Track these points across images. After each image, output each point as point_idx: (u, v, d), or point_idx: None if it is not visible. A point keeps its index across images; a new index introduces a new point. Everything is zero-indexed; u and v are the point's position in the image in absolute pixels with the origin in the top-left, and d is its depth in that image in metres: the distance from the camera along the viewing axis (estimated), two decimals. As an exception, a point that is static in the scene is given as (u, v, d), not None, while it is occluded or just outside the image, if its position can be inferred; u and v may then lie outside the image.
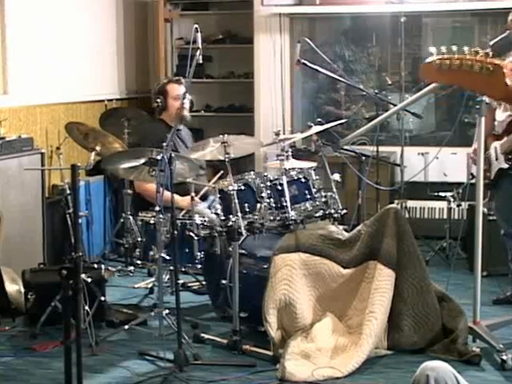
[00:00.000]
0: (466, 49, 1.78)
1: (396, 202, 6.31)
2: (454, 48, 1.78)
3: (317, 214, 4.59)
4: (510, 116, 4.67)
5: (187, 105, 5.44)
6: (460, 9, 7.02)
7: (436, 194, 6.37)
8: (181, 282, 5.00)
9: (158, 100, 5.39)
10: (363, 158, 5.45)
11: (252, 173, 4.60)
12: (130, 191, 5.82)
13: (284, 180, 4.49)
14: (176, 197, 4.84)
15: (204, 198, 5.20)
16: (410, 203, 6.70)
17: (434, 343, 4.23)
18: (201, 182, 5.12)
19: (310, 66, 5.35)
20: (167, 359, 4.03)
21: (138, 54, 7.70)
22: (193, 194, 4.70)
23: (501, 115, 4.72)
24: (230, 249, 4.36)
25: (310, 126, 5.05)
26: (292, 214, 4.45)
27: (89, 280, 4.50)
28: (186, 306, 4.87)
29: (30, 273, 4.74)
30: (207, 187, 5.10)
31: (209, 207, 4.98)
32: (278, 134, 4.81)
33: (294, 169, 4.67)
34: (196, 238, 4.65)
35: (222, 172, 4.35)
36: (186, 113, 5.40)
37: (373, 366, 4.08)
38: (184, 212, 4.82)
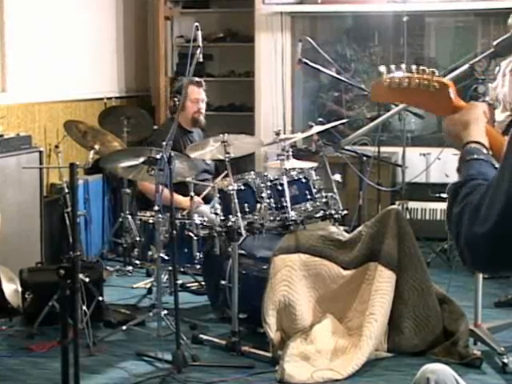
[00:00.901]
0: (413, 67, 1.82)
1: (397, 202, 6.30)
2: (403, 66, 1.81)
3: (317, 215, 4.59)
4: (509, 116, 4.67)
5: (203, 109, 5.42)
6: (463, 8, 7.02)
7: (438, 195, 6.37)
8: (180, 282, 4.98)
9: (176, 99, 5.31)
10: (364, 158, 5.45)
11: (252, 173, 4.61)
12: (128, 190, 5.81)
13: (284, 180, 4.49)
14: (178, 197, 4.84)
15: (207, 201, 5.20)
16: (412, 204, 6.69)
17: (435, 346, 4.23)
18: (202, 182, 5.13)
19: (312, 65, 5.34)
20: (165, 360, 4.03)
21: (138, 52, 7.70)
22: (192, 194, 4.69)
23: (500, 115, 4.72)
24: (230, 249, 4.36)
25: (311, 126, 5.05)
26: (292, 214, 4.44)
27: (87, 280, 4.50)
28: (184, 307, 4.86)
29: (28, 272, 4.74)
30: (210, 189, 5.10)
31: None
32: (278, 134, 4.80)
33: (294, 169, 4.67)
34: (195, 238, 4.65)
35: (226, 172, 4.34)
36: (202, 117, 5.39)
37: (373, 368, 4.08)
38: (185, 212, 4.81)
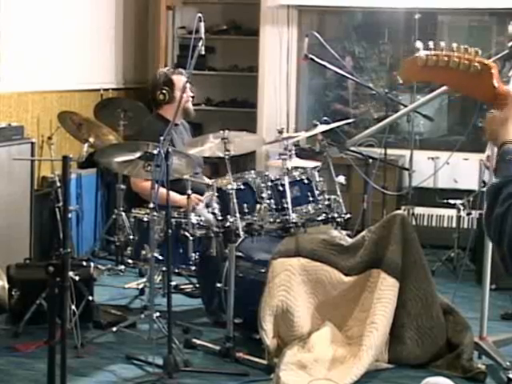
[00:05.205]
0: (454, 45, 1.74)
1: (403, 208, 6.31)
2: (443, 44, 1.74)
3: (319, 218, 4.59)
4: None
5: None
6: (478, 7, 7.02)
7: (445, 201, 6.37)
8: (173, 283, 4.99)
9: (164, 92, 5.28)
10: (370, 160, 5.46)
11: (252, 172, 4.61)
12: (123, 186, 5.81)
13: (286, 180, 4.49)
14: (175, 195, 4.84)
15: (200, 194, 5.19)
16: (418, 210, 6.70)
17: (438, 358, 4.24)
18: (197, 180, 5.12)
19: (318, 61, 5.34)
20: (156, 364, 4.03)
21: (138, 42, 7.70)
22: (189, 192, 4.69)
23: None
24: (227, 251, 4.36)
25: (316, 125, 5.05)
26: (293, 216, 4.45)
27: (76, 278, 4.51)
28: (177, 310, 4.86)
29: (15, 268, 4.74)
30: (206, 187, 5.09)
31: (206, 205, 4.96)
32: (281, 132, 4.81)
33: (296, 169, 4.67)
34: (191, 238, 4.64)
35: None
36: (191, 106, 5.37)
37: (372, 379, 4.08)
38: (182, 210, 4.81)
